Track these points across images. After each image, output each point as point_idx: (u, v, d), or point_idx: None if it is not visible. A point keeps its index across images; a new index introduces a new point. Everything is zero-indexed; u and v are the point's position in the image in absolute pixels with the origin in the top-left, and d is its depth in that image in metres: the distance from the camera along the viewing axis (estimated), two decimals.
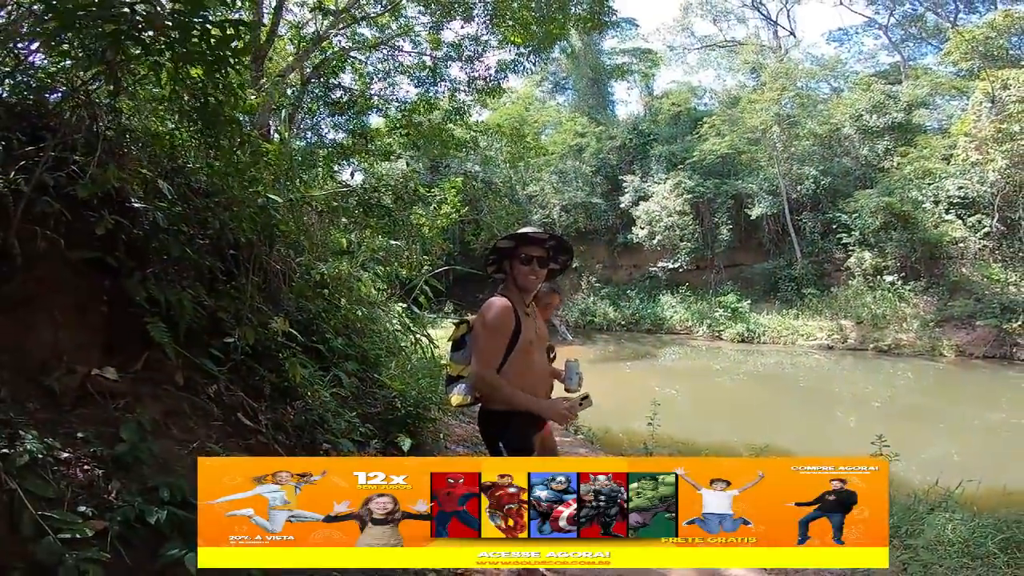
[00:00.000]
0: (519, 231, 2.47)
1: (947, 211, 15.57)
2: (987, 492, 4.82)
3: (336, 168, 8.04)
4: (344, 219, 5.30)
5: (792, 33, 27.68)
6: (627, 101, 37.67)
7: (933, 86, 19.08)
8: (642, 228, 20.19)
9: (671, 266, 19.98)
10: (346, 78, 8.69)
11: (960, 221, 15.37)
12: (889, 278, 15.74)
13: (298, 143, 7.89)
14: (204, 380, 2.49)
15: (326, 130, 8.88)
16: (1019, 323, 13.16)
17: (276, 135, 5.86)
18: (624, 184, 21.51)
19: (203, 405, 2.37)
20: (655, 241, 19.90)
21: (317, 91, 7.92)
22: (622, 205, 21.39)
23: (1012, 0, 20.09)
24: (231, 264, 2.99)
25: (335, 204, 4.74)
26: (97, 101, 2.33)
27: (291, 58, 6.90)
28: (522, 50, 8.63)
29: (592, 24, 8.82)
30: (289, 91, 7.29)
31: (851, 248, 16.76)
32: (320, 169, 6.89)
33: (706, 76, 39.85)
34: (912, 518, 4.07)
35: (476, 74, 8.93)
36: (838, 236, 17.23)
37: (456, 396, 2.48)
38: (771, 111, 18.65)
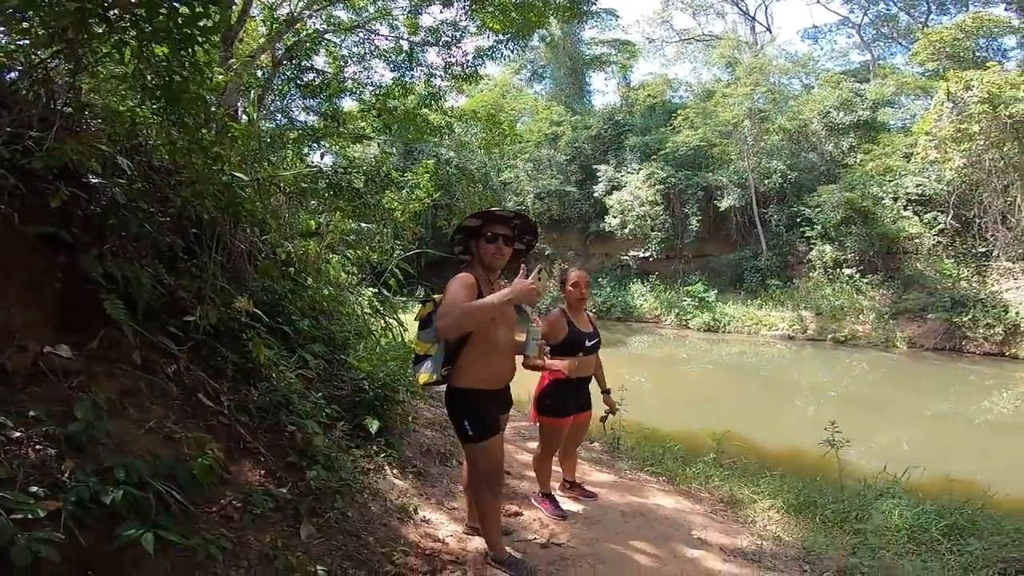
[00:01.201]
0: (484, 210, 2.50)
1: (905, 208, 16.16)
2: (932, 480, 5.02)
3: (306, 150, 7.87)
4: (313, 201, 5.21)
5: (768, 29, 28.20)
6: (604, 91, 37.79)
7: (899, 85, 19.67)
8: (614, 217, 20.41)
9: (642, 255, 20.30)
10: (319, 60, 8.47)
11: (916, 218, 15.98)
12: (848, 271, 16.33)
13: (267, 124, 7.68)
14: (163, 359, 2.45)
15: (297, 112, 8.68)
16: (968, 317, 13.83)
17: (244, 116, 5.71)
18: (598, 173, 21.68)
19: (161, 385, 2.33)
20: (627, 230, 20.15)
21: (289, 73, 7.70)
22: (595, 194, 21.57)
23: (983, 2, 20.85)
24: (192, 242, 2.93)
25: (304, 185, 4.65)
26: (56, 79, 2.25)
27: (263, 39, 6.67)
28: (501, 37, 8.53)
29: (572, 14, 8.77)
30: (259, 72, 7.07)
31: (813, 241, 17.30)
32: (289, 151, 6.74)
33: (682, 69, 40.27)
34: (861, 504, 4.27)
35: (453, 60, 8.79)
36: (802, 230, 17.75)
37: (423, 374, 2.52)
38: (744, 105, 19.00)
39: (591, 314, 3.61)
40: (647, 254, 20.18)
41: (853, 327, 15.42)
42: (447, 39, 8.56)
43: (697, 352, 16.32)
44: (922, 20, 23.70)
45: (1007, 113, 12.77)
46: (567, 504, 3.64)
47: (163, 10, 1.93)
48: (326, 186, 5.30)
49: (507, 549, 2.77)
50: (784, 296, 17.25)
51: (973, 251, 15.24)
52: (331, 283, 4.89)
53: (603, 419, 3.75)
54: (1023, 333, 13.22)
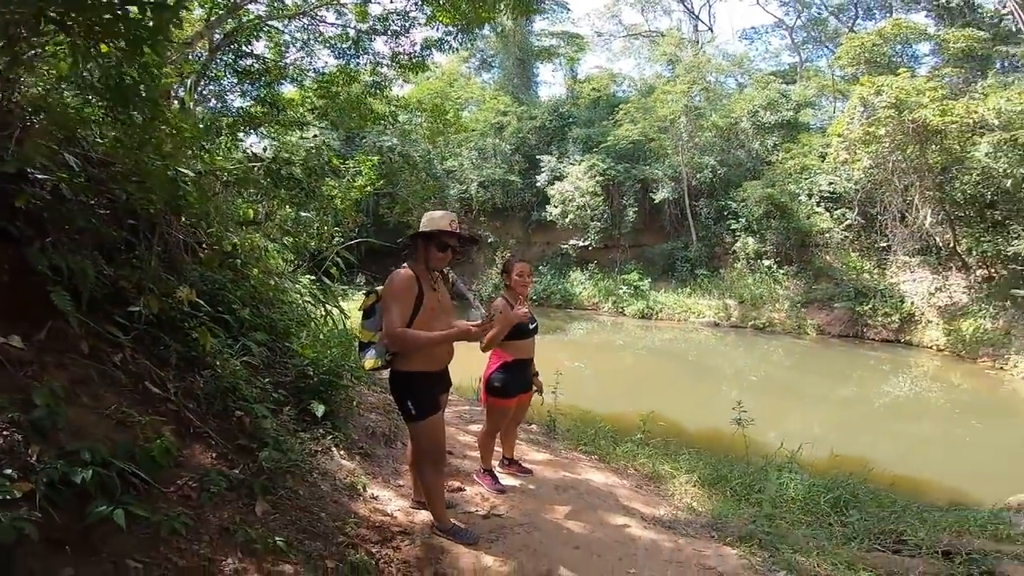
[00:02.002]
0: (443, 229, 2.73)
1: (818, 204, 17.51)
2: (825, 456, 5.66)
3: (242, 137, 7.63)
4: (252, 189, 5.16)
5: (710, 28, 29.16)
6: (551, 83, 38.15)
7: (821, 88, 21.06)
8: (556, 207, 20.87)
9: (581, 244, 20.89)
10: (259, 46, 8.16)
11: (828, 214, 17.36)
12: (767, 262, 17.56)
13: (200, 109, 7.37)
14: (109, 349, 2.50)
15: (233, 98, 8.33)
16: (869, 306, 15.27)
17: (177, 102, 5.52)
18: (541, 164, 22.04)
19: (110, 373, 2.39)
20: (567, 220, 20.65)
21: (226, 59, 7.40)
22: (538, 184, 21.93)
23: (905, 9, 22.34)
24: (130, 234, 2.96)
25: (241, 176, 4.61)
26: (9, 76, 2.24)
27: (200, 24, 6.40)
28: (450, 29, 8.51)
29: (523, 9, 8.84)
30: (192, 56, 6.77)
31: (738, 234, 18.42)
32: (224, 138, 6.54)
33: (627, 64, 41.29)
34: (764, 478, 4.74)
35: (401, 49, 8.71)
36: (728, 222, 18.85)
37: (369, 360, 2.73)
38: (681, 102, 19.77)
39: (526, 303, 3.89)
40: (586, 243, 20.77)
41: (771, 315, 16.66)
42: (396, 29, 8.46)
43: (632, 338, 17.09)
44: (849, 24, 25.05)
45: (911, 118, 13.79)
46: (506, 479, 3.91)
47: (114, 11, 1.97)
48: (264, 174, 5.25)
49: (451, 520, 3.02)
50: (711, 285, 18.32)
51: (875, 246, 16.72)
52: (269, 272, 4.89)
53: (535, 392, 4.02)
54: (916, 321, 14.76)
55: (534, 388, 3.92)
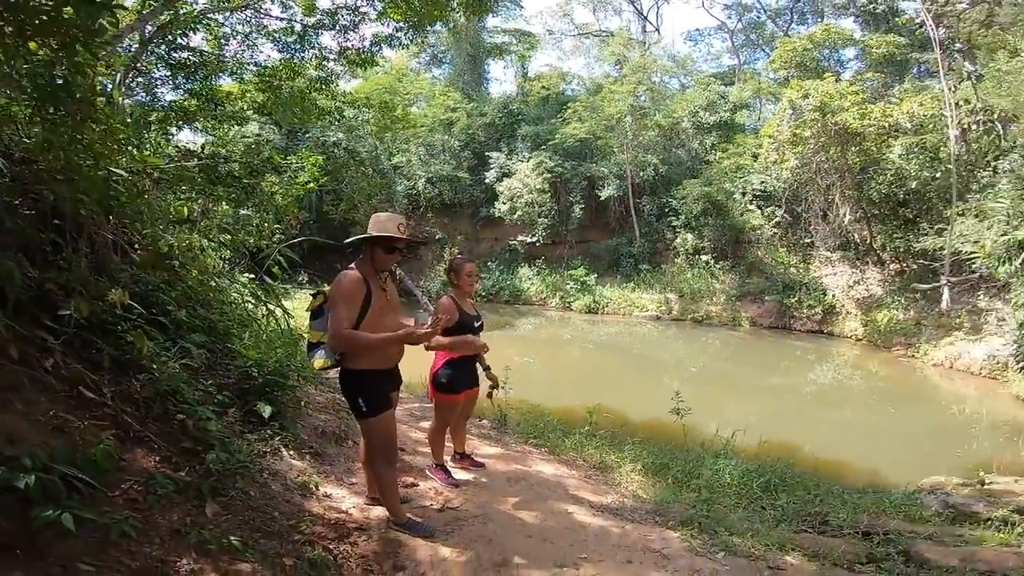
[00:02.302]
0: (391, 234, 2.77)
1: (751, 202, 18.46)
2: (756, 443, 5.91)
3: (174, 132, 7.25)
4: (185, 187, 4.96)
5: (657, 30, 30.02)
6: (502, 80, 38.19)
7: (756, 90, 22.09)
8: (504, 203, 21.00)
9: (529, 240, 21.12)
10: (196, 38, 7.72)
11: (759, 211, 18.33)
12: (705, 258, 18.36)
13: (129, 103, 6.95)
14: (38, 354, 2.40)
15: (164, 91, 7.84)
16: (795, 299, 16.27)
17: (104, 97, 5.22)
18: (490, 160, 22.12)
19: (41, 378, 2.30)
20: (516, 216, 20.82)
21: (159, 51, 6.99)
22: (487, 180, 22.00)
23: (836, 15, 23.65)
24: (57, 236, 2.84)
25: (175, 172, 4.44)
26: None
27: (133, 16, 6.02)
28: (401, 25, 8.35)
29: (476, 9, 8.78)
30: (122, 49, 6.38)
31: (678, 230, 19.17)
32: (154, 133, 6.22)
33: (577, 63, 41.87)
34: (703, 465, 5.00)
35: (349, 45, 8.49)
36: (669, 219, 19.59)
37: (318, 360, 2.74)
38: (627, 101, 20.33)
39: (471, 300, 3.93)
40: (534, 239, 21.01)
41: (708, 308, 17.45)
42: (345, 23, 8.24)
43: (579, 333, 17.45)
44: (784, 29, 26.36)
45: (833, 120, 14.79)
46: (459, 474, 3.99)
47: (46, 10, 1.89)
48: (199, 171, 5.06)
49: (407, 514, 3.07)
50: (653, 280, 18.97)
51: (801, 242, 17.82)
52: (207, 271, 4.73)
53: (489, 395, 4.12)
54: (837, 313, 15.84)
55: (490, 386, 4.01)
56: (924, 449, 8.21)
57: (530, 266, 21.32)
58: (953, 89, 14.30)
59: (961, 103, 14.01)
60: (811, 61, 19.74)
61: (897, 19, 20.02)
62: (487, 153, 22.59)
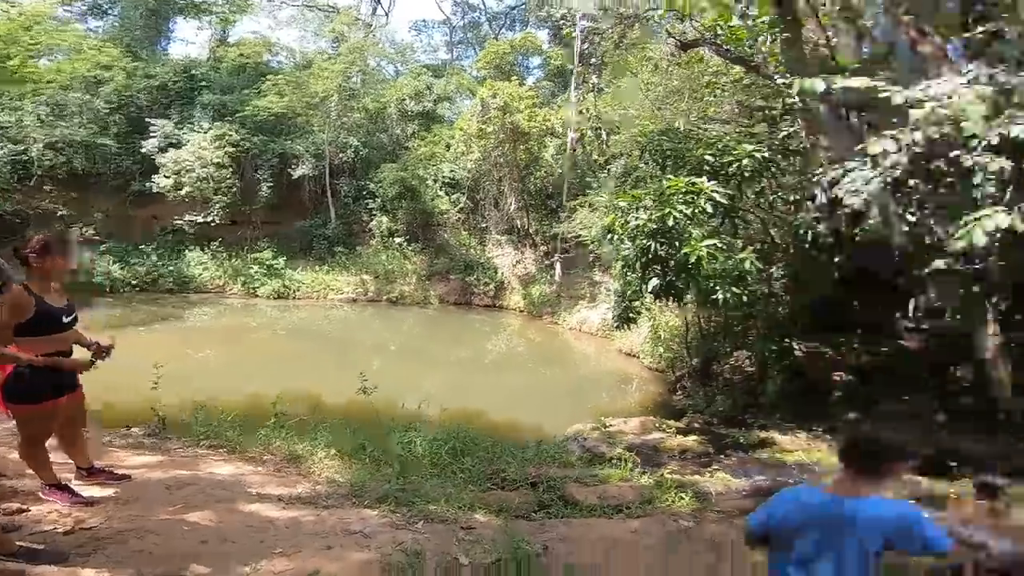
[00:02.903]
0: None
1: (441, 188, 20.15)
2: (443, 413, 6.32)
3: None
4: None
5: (387, 14, 29.43)
6: (192, 41, 31.96)
7: (458, 85, 23.72)
8: (167, 177, 17.61)
9: (201, 220, 18.25)
10: None
11: (447, 197, 20.18)
12: (399, 240, 19.30)
13: None
14: None
15: None
16: (474, 277, 18.56)
17: None
18: (152, 128, 18.34)
19: None
20: (183, 192, 17.70)
21: None
22: (144, 150, 18.10)
23: (537, 26, 26.55)
24: None
25: None
26: None
27: None
28: None
29: None
30: None
31: (375, 213, 19.62)
32: None
33: (291, 35, 36.85)
34: (397, 440, 5.19)
35: None
36: (366, 202, 19.84)
37: None
38: (337, 81, 19.52)
39: (56, 285, 3.11)
40: (208, 219, 18.28)
41: (402, 288, 18.37)
42: None
43: (268, 320, 16.14)
44: (496, 32, 28.78)
45: (510, 120, 17.26)
46: (91, 491, 3.35)
47: None
48: None
49: (17, 543, 2.56)
50: (349, 262, 18.87)
51: (479, 226, 20.34)
52: None
53: (91, 363, 3.21)
54: (505, 289, 18.67)
55: (92, 353, 3.22)
56: (569, 401, 10.00)
57: (203, 249, 18.48)
58: (583, 99, 18.22)
59: (582, 112, 17.94)
60: (507, 65, 22.29)
61: (564, 33, 24.01)
62: (149, 120, 18.71)
